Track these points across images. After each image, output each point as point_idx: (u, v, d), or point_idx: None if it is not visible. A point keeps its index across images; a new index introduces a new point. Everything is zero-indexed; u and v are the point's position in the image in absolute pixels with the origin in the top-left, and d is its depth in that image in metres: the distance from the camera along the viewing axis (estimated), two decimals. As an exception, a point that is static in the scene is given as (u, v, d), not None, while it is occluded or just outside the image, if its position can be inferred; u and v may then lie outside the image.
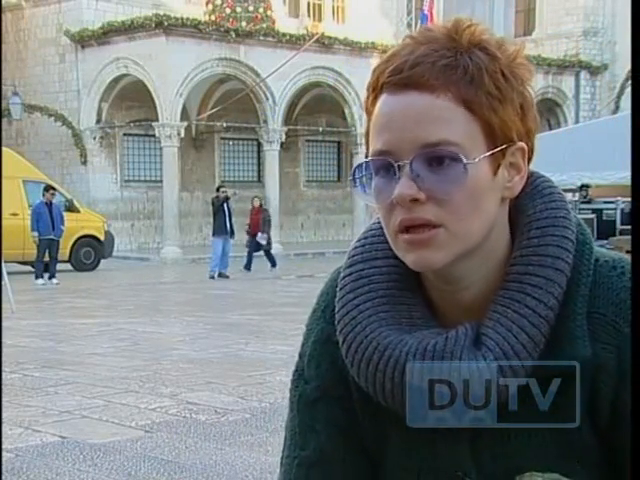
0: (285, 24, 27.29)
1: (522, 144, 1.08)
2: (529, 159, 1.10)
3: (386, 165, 1.05)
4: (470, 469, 1.11)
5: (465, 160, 1.03)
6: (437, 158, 1.03)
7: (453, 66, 1.04)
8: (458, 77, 1.04)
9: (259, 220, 19.48)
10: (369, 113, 1.10)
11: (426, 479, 1.14)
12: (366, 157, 1.10)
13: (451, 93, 1.04)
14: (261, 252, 19.73)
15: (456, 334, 1.07)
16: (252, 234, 19.48)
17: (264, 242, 19.59)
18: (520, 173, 1.09)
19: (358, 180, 1.09)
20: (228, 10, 25.72)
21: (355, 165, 1.10)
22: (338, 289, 1.17)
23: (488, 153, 1.05)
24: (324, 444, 1.19)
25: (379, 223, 1.16)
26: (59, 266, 20.05)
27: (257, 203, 19.99)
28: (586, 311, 1.07)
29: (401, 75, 1.04)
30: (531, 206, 1.12)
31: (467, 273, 1.09)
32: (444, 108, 1.03)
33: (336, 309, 1.16)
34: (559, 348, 1.06)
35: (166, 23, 22.89)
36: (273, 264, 19.75)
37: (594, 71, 32.40)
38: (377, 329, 1.10)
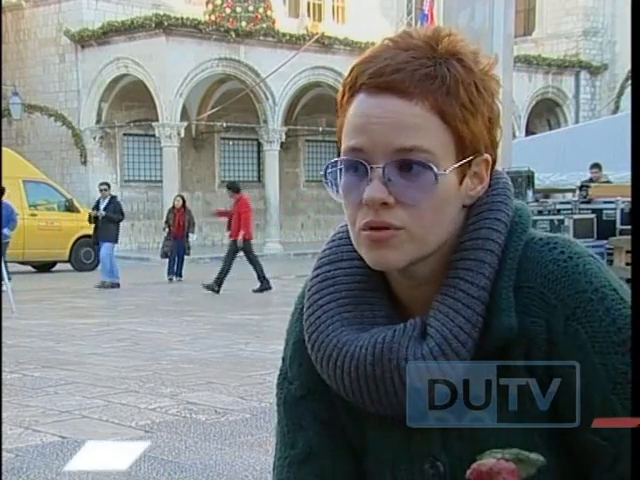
0: (285, 24, 27.30)
1: (487, 156, 1.12)
2: (491, 169, 1.14)
3: (358, 165, 1.08)
4: (440, 453, 1.14)
5: (436, 170, 1.06)
6: (409, 164, 1.06)
7: (432, 76, 1.07)
8: (436, 87, 1.07)
9: (184, 222, 17.51)
10: (343, 110, 1.12)
11: (400, 469, 1.17)
12: (339, 153, 1.12)
13: (428, 102, 1.07)
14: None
15: (404, 327, 1.11)
16: (177, 237, 17.20)
17: (188, 244, 17.52)
18: (482, 183, 1.13)
19: (329, 175, 1.12)
20: (228, 10, 25.73)
21: (328, 162, 1.12)
22: (306, 290, 1.21)
23: (457, 164, 1.09)
24: (312, 440, 1.22)
25: (346, 226, 1.19)
26: (59, 266, 20.03)
27: (179, 203, 17.70)
28: (515, 285, 1.09)
29: (382, 79, 1.07)
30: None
31: (426, 271, 1.12)
32: (420, 116, 1.06)
33: (304, 309, 1.19)
34: (488, 323, 1.09)
35: (166, 23, 22.90)
36: (180, 273, 17.51)
37: (594, 71, 32.40)
38: (339, 328, 1.14)
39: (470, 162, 1.10)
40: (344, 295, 1.16)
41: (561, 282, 1.08)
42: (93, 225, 16.53)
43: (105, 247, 16.12)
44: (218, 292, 15.06)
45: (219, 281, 15.15)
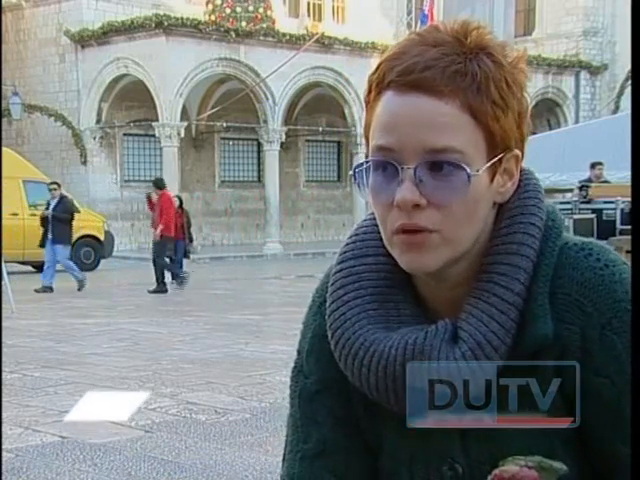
0: (285, 24, 27.28)
1: (517, 152, 1.11)
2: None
3: (387, 165, 1.06)
4: (459, 455, 1.13)
5: (469, 170, 1.05)
6: (440, 164, 1.05)
7: (462, 73, 1.05)
8: (466, 84, 1.05)
9: (182, 223, 16.76)
10: (370, 107, 1.11)
11: (417, 468, 1.16)
12: (367, 151, 1.11)
13: (459, 100, 1.05)
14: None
15: (436, 329, 1.09)
16: (176, 238, 16.29)
17: (191, 249, 17.10)
18: (512, 179, 1.12)
19: (358, 176, 1.10)
20: (228, 10, 25.71)
21: (357, 163, 1.11)
22: (329, 285, 1.19)
23: (489, 163, 1.07)
24: (326, 435, 1.21)
25: (370, 220, 1.19)
26: (59, 266, 20.01)
27: (177, 204, 16.81)
28: (550, 291, 1.08)
29: (411, 77, 1.05)
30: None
31: (457, 273, 1.11)
32: (451, 115, 1.05)
33: (327, 304, 1.18)
34: (523, 330, 1.08)
35: (166, 23, 22.89)
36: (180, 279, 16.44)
37: (594, 71, 32.40)
38: (365, 326, 1.13)
39: (501, 159, 1.09)
40: (370, 292, 1.15)
41: (598, 290, 1.07)
42: (43, 227, 15.65)
43: (60, 250, 15.47)
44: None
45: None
